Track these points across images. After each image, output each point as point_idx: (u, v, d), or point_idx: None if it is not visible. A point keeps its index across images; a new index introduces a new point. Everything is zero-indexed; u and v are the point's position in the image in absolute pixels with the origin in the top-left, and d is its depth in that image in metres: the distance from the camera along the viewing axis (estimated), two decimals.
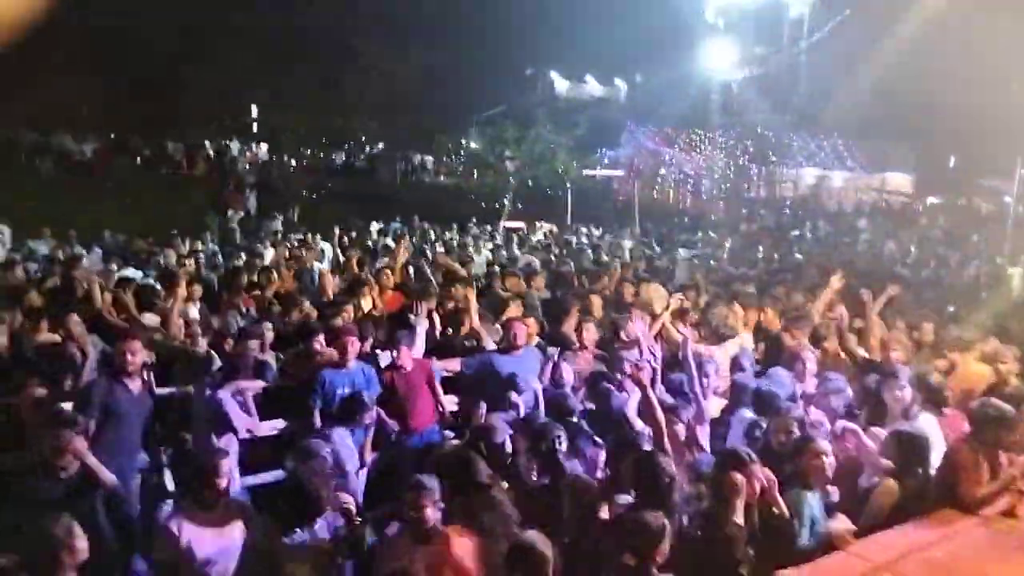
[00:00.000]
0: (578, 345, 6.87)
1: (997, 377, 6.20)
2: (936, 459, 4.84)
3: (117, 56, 24.32)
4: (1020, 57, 20.99)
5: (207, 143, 30.54)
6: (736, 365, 6.54)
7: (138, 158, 29.05)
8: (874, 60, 24.08)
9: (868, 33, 24.10)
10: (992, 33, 20.80)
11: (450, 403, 6.45)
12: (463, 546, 3.71)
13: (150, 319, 7.00)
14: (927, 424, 5.35)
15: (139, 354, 5.29)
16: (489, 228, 19.79)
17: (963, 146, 30.96)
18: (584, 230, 20.02)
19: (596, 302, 8.36)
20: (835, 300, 7.86)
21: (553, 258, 13.74)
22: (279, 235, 15.95)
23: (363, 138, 32.37)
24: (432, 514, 3.72)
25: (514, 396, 5.80)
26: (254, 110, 29.02)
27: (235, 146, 31.83)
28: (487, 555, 3.69)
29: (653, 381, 5.88)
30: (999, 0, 19.65)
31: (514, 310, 7.89)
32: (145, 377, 5.37)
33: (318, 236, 14.19)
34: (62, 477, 4.22)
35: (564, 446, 4.57)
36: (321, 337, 6.28)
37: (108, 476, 4.41)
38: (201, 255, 11.66)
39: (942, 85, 25.69)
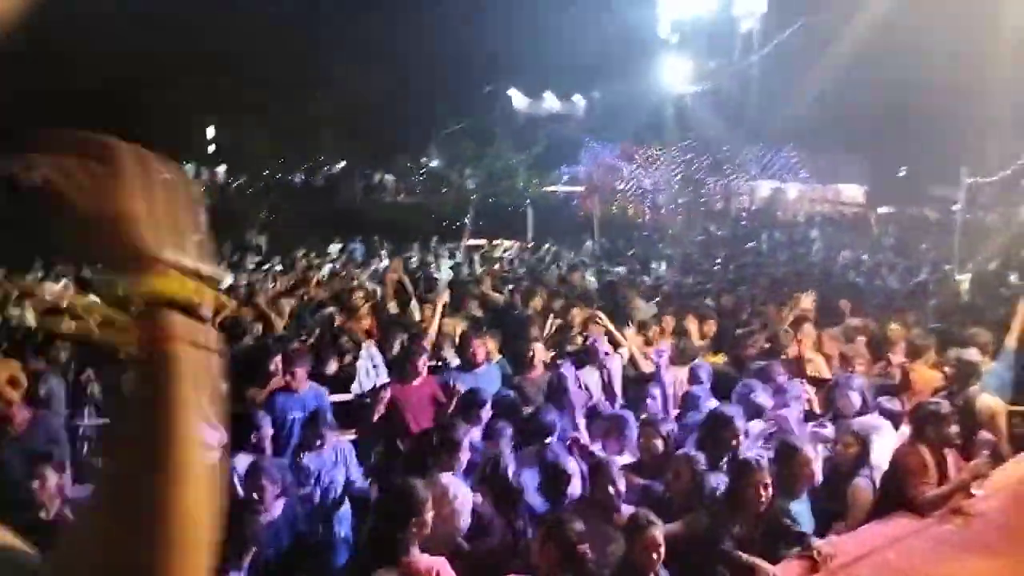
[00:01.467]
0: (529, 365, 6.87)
1: (947, 382, 6.36)
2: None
3: (68, 76, 23.95)
4: (967, 68, 21.60)
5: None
6: (693, 377, 6.65)
7: None
8: (824, 73, 24.60)
9: (818, 47, 24.62)
10: (939, 45, 21.41)
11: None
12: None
13: None
14: (877, 424, 5.51)
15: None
16: (450, 246, 19.78)
17: (913, 157, 31.75)
18: (548, 247, 20.11)
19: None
20: (803, 318, 8.12)
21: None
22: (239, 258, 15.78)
23: (322, 157, 32.23)
24: None
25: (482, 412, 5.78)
26: (210, 131, 28.76)
27: (196, 168, 31.49)
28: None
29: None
30: (946, 13, 20.20)
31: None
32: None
33: (276, 258, 14.08)
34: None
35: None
36: (278, 359, 6.24)
37: None
38: None
39: (892, 97, 26.34)
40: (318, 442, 5.24)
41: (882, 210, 30.91)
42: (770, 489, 4.07)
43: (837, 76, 24.16)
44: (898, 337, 7.76)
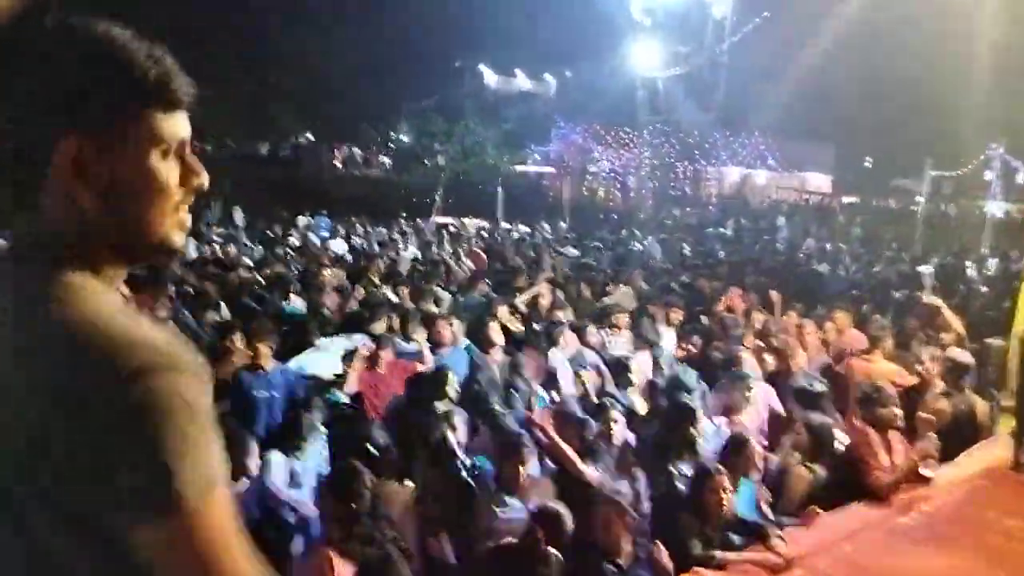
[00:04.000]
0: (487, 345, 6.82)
1: (906, 373, 6.45)
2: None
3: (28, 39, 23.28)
4: (929, 62, 21.88)
5: None
6: (656, 366, 6.68)
7: None
8: (794, 62, 24.79)
9: (789, 36, 24.77)
10: (909, 39, 21.65)
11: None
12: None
13: None
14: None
15: None
16: (417, 222, 19.63)
17: (878, 148, 32.22)
18: (517, 227, 20.08)
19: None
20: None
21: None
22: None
23: (284, 128, 31.72)
24: None
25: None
26: None
27: None
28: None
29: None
30: (916, 9, 20.41)
31: None
32: None
33: (242, 232, 13.86)
34: None
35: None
36: (237, 336, 6.13)
37: None
38: None
39: (860, 88, 26.65)
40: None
41: (847, 199, 31.34)
42: (731, 493, 4.12)
43: (807, 65, 24.38)
44: (843, 325, 7.87)
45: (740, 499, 4.43)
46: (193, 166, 1.12)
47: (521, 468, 4.33)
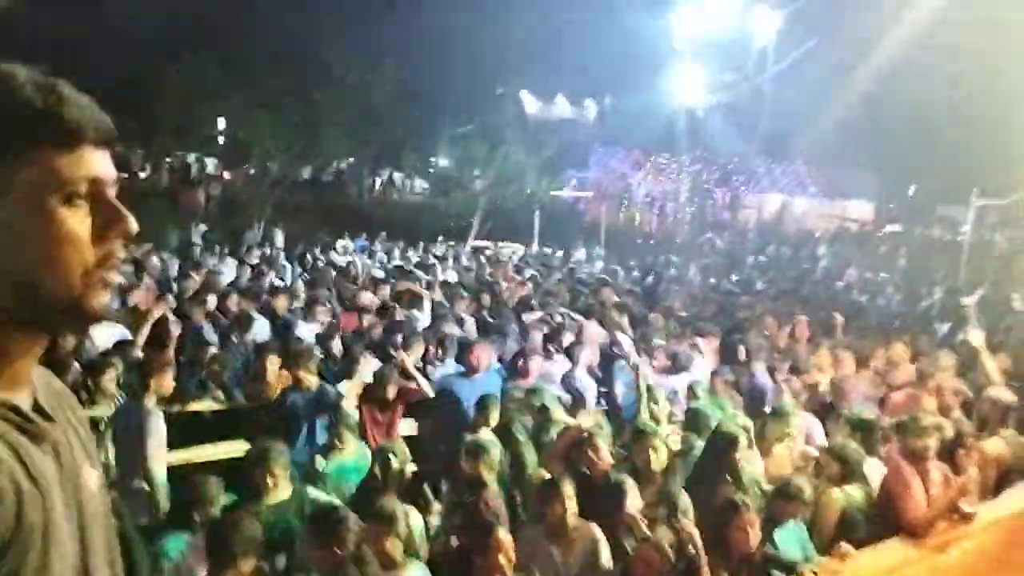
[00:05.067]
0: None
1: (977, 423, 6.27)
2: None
3: (79, 68, 23.98)
4: (978, 90, 21.57)
5: (172, 154, 30.24)
6: (692, 394, 6.63)
7: None
8: (839, 90, 24.59)
9: (834, 63, 24.61)
10: (952, 66, 21.38)
11: (409, 427, 6.44)
12: None
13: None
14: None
15: None
16: (454, 246, 19.77)
17: (923, 176, 31.70)
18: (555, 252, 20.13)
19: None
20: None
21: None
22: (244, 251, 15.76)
23: (331, 152, 32.19)
24: None
25: None
26: (221, 122, 28.76)
27: (201, 159, 31.53)
28: None
29: None
30: (959, 36, 20.17)
31: None
32: None
33: (282, 253, 14.06)
34: None
35: None
36: (273, 358, 6.23)
37: None
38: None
39: (904, 116, 26.31)
40: None
41: (889, 228, 30.85)
42: (756, 530, 4.04)
43: (851, 93, 24.16)
44: (901, 359, 7.72)
45: (786, 538, 4.35)
46: (114, 212, 0.95)
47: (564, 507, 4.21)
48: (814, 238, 26.95)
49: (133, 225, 0.97)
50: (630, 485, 4.45)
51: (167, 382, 5.23)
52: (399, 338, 7.19)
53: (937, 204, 29.92)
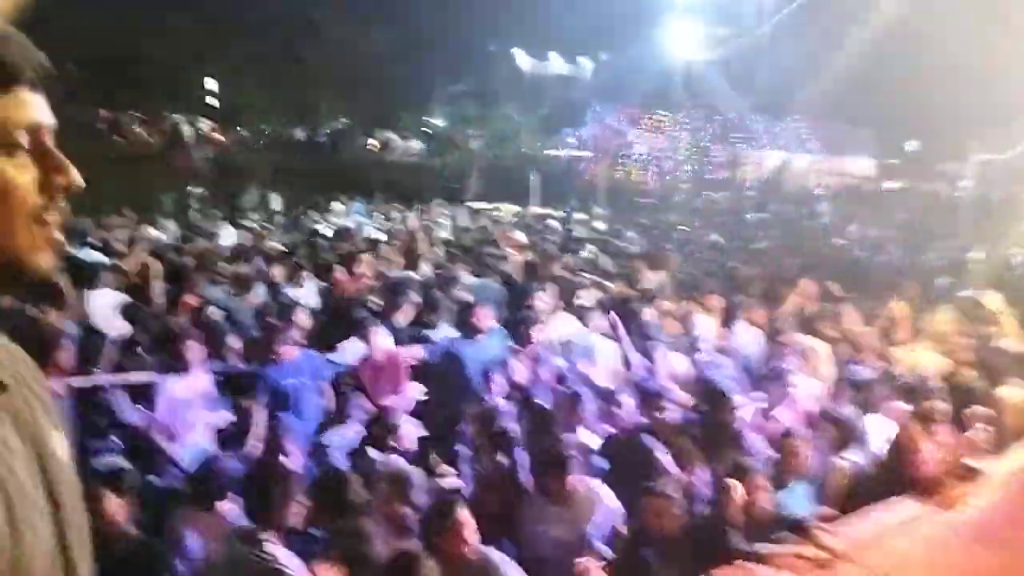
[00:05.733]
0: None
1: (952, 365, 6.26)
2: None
3: (68, 28, 23.52)
4: (977, 44, 21.29)
5: (164, 115, 29.85)
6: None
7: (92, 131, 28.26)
8: (838, 44, 24.24)
9: (833, 17, 24.23)
10: (952, 21, 21.07)
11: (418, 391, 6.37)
12: None
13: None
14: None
15: None
16: (451, 207, 19.59)
17: (924, 131, 31.43)
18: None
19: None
20: (802, 302, 8.02)
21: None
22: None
23: (324, 114, 31.85)
24: None
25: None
26: (211, 84, 28.39)
27: (192, 121, 31.13)
28: None
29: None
30: None
31: None
32: None
33: (279, 217, 13.94)
34: None
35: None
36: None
37: None
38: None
39: (902, 70, 26.00)
40: None
41: (889, 184, 30.69)
42: (766, 491, 4.03)
43: (848, 48, 23.83)
44: (902, 316, 7.67)
45: (792, 498, 4.34)
46: (56, 162, 0.88)
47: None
48: (813, 195, 26.83)
49: (77, 177, 0.89)
50: None
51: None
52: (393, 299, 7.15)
53: (938, 161, 29.73)
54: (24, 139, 0.84)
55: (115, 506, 3.46)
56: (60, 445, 0.99)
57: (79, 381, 4.94)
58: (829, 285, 8.47)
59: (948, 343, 6.67)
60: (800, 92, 26.91)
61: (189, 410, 5.15)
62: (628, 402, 5.26)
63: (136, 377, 5.42)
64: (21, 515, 0.85)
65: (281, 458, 3.96)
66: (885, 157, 34.06)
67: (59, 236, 0.89)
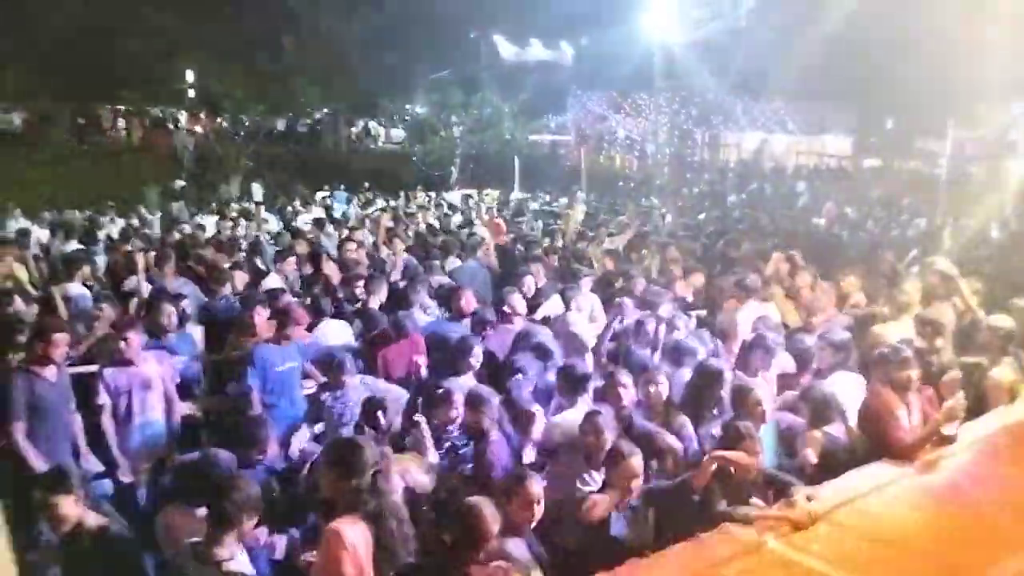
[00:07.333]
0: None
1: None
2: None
3: (43, 22, 23.26)
4: (953, 21, 21.42)
5: (144, 110, 29.63)
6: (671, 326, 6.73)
7: (71, 127, 28.00)
8: (812, 24, 24.32)
9: None
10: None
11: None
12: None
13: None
14: (841, 382, 5.58)
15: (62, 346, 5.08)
16: (434, 195, 19.64)
17: (901, 109, 31.60)
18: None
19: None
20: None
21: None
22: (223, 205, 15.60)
23: (305, 103, 31.68)
24: None
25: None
26: (190, 75, 28.16)
27: (172, 113, 30.93)
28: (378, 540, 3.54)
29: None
30: None
31: None
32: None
33: (262, 207, 13.93)
34: None
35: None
36: (260, 310, 6.22)
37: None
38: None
39: (879, 49, 26.13)
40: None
41: (869, 162, 30.89)
42: (760, 456, 4.17)
43: (827, 27, 23.92)
44: (852, 290, 7.86)
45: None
46: None
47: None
48: (790, 174, 27.00)
49: None
50: None
51: None
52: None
53: (916, 139, 29.95)
54: None
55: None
56: None
57: None
58: (793, 254, 8.68)
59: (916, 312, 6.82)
60: (778, 72, 27.00)
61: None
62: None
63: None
64: None
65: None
66: (864, 135, 34.24)
67: None
